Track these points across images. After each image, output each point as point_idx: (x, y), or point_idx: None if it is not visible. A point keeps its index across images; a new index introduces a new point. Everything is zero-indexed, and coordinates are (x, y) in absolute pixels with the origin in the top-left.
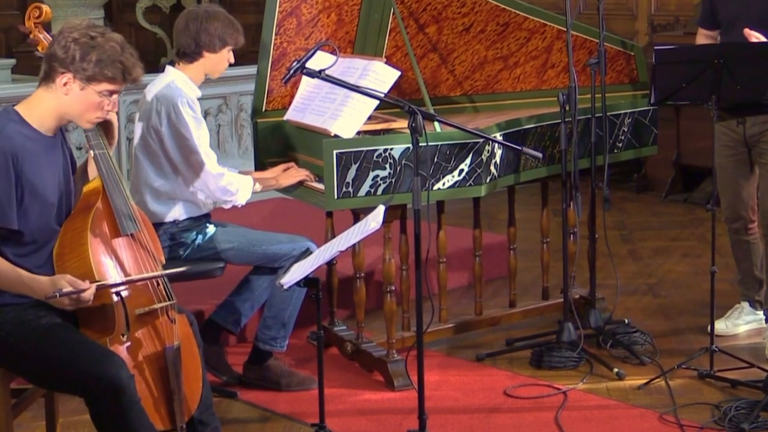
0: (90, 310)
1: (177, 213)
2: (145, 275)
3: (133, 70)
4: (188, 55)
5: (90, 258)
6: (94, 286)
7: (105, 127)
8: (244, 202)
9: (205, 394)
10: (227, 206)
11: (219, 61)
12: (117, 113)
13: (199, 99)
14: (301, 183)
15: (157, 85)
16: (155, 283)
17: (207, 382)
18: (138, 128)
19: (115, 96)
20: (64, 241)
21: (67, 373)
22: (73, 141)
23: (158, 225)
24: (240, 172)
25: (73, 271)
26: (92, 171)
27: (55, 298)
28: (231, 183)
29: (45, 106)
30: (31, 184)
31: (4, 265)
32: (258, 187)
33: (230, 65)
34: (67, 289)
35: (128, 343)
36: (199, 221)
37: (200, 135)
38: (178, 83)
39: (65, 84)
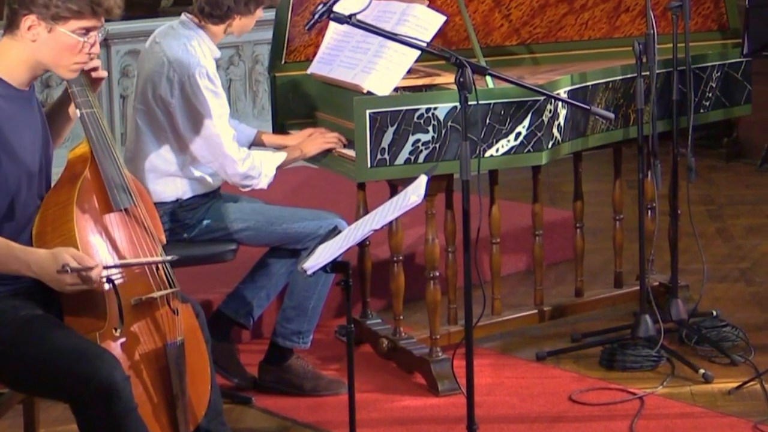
0: (76, 299)
1: (181, 191)
2: (156, 259)
3: (103, 1)
4: (215, 17)
5: (76, 237)
6: (101, 265)
7: (91, 80)
8: (266, 186)
9: (214, 399)
10: (246, 189)
11: (249, 22)
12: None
13: (215, 59)
14: (329, 150)
15: (167, 38)
16: (154, 267)
17: (216, 386)
18: (139, 88)
19: (92, 34)
20: (45, 218)
21: (49, 374)
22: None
23: (158, 204)
24: (257, 137)
25: None
26: (71, 108)
27: (66, 273)
28: (253, 166)
29: (13, 56)
30: (9, 148)
31: None
32: (283, 162)
33: None
34: (74, 264)
35: (122, 339)
36: (206, 199)
37: (220, 113)
38: (197, 46)
39: (30, 28)
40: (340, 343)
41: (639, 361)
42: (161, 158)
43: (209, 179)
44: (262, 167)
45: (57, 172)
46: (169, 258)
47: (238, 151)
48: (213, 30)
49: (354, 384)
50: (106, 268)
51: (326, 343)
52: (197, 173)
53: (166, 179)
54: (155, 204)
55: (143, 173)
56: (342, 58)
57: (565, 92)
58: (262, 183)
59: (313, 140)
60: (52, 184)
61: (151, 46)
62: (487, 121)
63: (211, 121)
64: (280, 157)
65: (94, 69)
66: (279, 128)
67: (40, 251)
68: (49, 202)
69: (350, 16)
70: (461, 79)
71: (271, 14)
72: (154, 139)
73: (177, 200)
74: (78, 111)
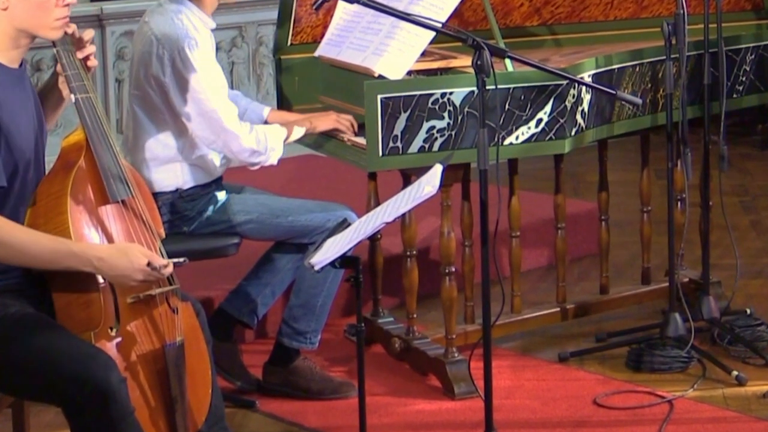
0: (69, 297)
1: (181, 179)
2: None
3: None
4: None
5: (70, 230)
6: (171, 263)
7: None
8: (276, 161)
9: (215, 403)
10: (255, 167)
11: None
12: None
13: (213, 31)
14: (338, 135)
15: (154, 15)
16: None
17: (218, 389)
18: (133, 73)
19: None
20: (38, 209)
21: (40, 376)
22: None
23: (157, 194)
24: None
25: None
26: (64, 90)
27: (149, 273)
28: (258, 140)
29: None
30: (6, 131)
31: (33, 235)
32: (292, 135)
33: None
34: (158, 261)
35: (118, 339)
36: (208, 188)
37: (215, 86)
38: (185, 18)
39: None
40: (349, 343)
41: (668, 363)
42: (160, 144)
43: (211, 165)
44: (267, 141)
45: (50, 160)
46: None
47: (239, 126)
48: (203, 1)
49: (364, 387)
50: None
51: (335, 343)
52: (198, 158)
53: (166, 167)
54: (154, 195)
55: (142, 162)
56: (352, 39)
57: (589, 76)
58: (272, 158)
59: (325, 116)
60: (46, 172)
61: (141, 27)
62: (507, 106)
63: (206, 95)
64: (287, 130)
65: (87, 57)
66: None
67: (101, 246)
68: (41, 192)
69: None
70: (479, 62)
71: None
72: (151, 124)
73: (177, 190)
74: (72, 96)
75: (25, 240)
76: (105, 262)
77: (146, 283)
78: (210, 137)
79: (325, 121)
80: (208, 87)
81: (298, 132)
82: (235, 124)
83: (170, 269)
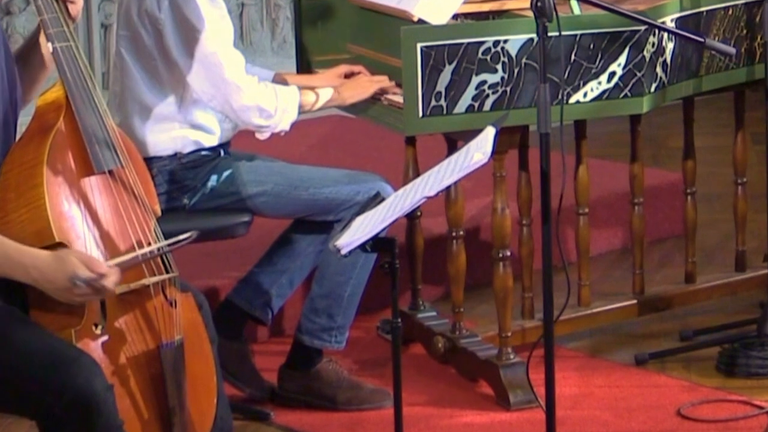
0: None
1: (180, 142)
2: (180, 238)
3: None
4: None
5: (47, 206)
6: (116, 268)
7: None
8: (288, 127)
9: (221, 414)
10: (263, 135)
11: None
12: None
13: None
14: (377, 98)
15: None
16: (145, 246)
17: (224, 397)
18: (122, 10)
19: None
20: (8, 181)
21: (11, 383)
22: (19, 29)
23: (151, 160)
24: (275, 79)
25: (21, 228)
26: (45, 51)
27: (76, 288)
28: (266, 97)
29: None
30: None
31: None
32: (314, 101)
33: None
34: (84, 274)
35: (104, 338)
36: (212, 154)
37: (218, 28)
38: None
39: None
40: (383, 342)
41: (767, 366)
42: (153, 97)
43: (217, 126)
44: (278, 100)
45: (24, 122)
46: (185, 237)
47: (244, 77)
48: None
49: (401, 395)
50: (122, 268)
51: (366, 342)
52: (201, 116)
53: (162, 126)
54: (147, 161)
55: (131, 119)
56: None
57: (672, 20)
58: (283, 123)
59: (355, 83)
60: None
61: None
62: (573, 57)
63: (206, 37)
64: (306, 95)
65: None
66: (305, 67)
67: (41, 253)
68: (12, 161)
69: None
70: (539, 4)
71: None
72: (143, 72)
73: (175, 155)
74: (50, 45)
75: None
76: (41, 273)
77: (135, 270)
78: (209, 90)
79: (356, 91)
80: (210, 26)
81: (321, 98)
82: (239, 75)
83: (114, 278)
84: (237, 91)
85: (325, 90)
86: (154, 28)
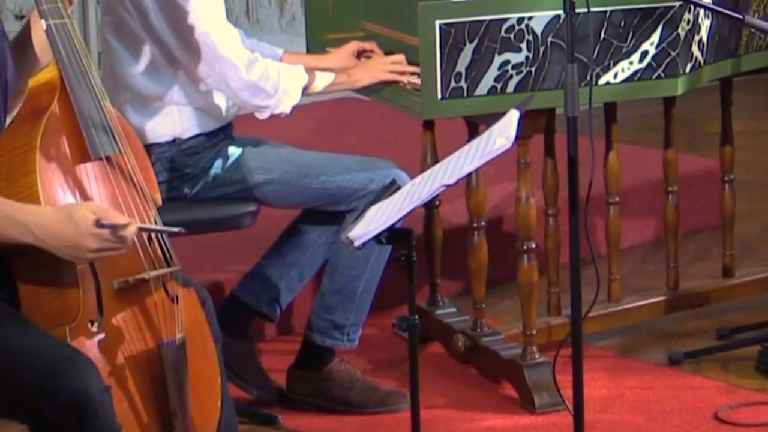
0: (37, 282)
1: (179, 126)
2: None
3: None
4: None
5: (39, 194)
6: (135, 221)
7: None
8: (288, 109)
9: (226, 418)
10: (262, 115)
11: None
12: None
13: None
14: (393, 82)
15: None
16: (145, 237)
17: (229, 399)
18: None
19: None
20: None
21: (1, 385)
22: (10, 6)
23: (150, 147)
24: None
25: None
26: (39, 41)
27: (92, 239)
28: (267, 76)
29: None
30: None
31: None
32: (317, 84)
33: None
34: (108, 220)
35: (101, 336)
36: (215, 138)
37: (207, 3)
38: None
39: None
40: (399, 340)
41: None
42: (146, 81)
43: (217, 107)
44: (279, 80)
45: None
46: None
47: (239, 53)
48: None
49: (418, 397)
50: (141, 229)
51: (380, 340)
52: (200, 97)
53: (157, 110)
54: (146, 147)
55: (124, 109)
56: None
57: None
58: (283, 104)
59: (369, 66)
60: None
61: None
62: (602, 35)
63: (194, 14)
64: (313, 77)
65: None
66: (315, 45)
67: (44, 209)
68: (2, 147)
69: None
70: None
71: None
72: (132, 57)
73: (175, 141)
74: (44, 22)
75: None
76: (47, 230)
77: (134, 263)
78: (203, 69)
79: (369, 74)
80: (197, 3)
81: (326, 79)
82: (234, 50)
83: (133, 229)
84: (233, 69)
85: (338, 76)
86: (138, 10)
